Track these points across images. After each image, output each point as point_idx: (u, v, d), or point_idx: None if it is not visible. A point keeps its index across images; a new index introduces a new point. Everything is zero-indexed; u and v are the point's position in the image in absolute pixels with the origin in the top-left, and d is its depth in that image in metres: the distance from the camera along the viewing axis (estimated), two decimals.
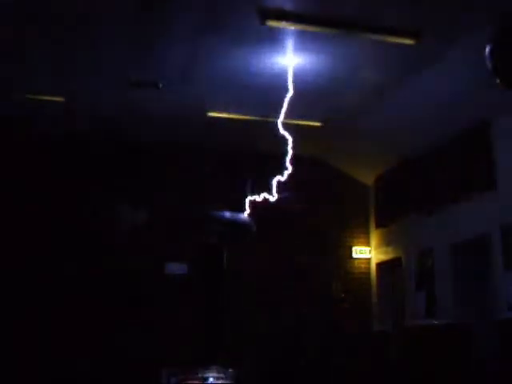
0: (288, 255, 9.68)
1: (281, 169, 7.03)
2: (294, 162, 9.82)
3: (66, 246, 8.87)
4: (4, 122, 8.43)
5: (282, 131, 7.12)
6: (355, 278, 10.18)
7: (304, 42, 6.33)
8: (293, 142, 7.04)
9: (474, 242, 7.64)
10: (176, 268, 9.22)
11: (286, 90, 6.81)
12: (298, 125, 8.45)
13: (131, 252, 9.00)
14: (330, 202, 10.17)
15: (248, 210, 7.48)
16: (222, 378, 6.72)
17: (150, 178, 9.40)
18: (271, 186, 7.14)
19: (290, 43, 6.37)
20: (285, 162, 7.01)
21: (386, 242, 9.90)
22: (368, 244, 10.37)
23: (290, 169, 7.01)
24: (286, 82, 6.94)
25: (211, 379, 6.67)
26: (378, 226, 10.21)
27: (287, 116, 7.68)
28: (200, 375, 6.68)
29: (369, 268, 10.29)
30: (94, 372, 8.37)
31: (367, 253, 10.32)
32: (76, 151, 9.24)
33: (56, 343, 8.43)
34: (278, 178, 7.04)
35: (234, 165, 9.59)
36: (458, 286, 7.94)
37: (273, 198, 7.09)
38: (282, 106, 7.18)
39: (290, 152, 7.02)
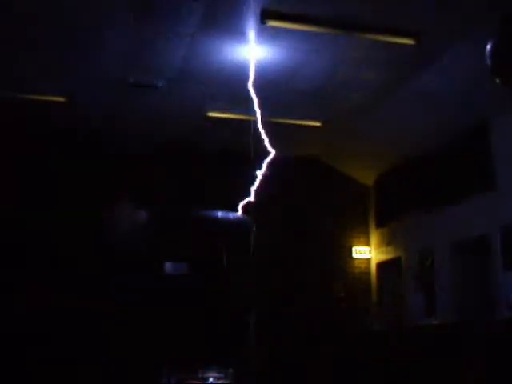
0: (288, 255, 9.67)
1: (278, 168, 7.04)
2: (294, 162, 9.89)
3: (66, 246, 8.87)
4: (4, 121, 8.43)
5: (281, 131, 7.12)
6: (355, 277, 10.18)
7: (304, 42, 6.33)
8: (292, 142, 7.04)
9: (474, 242, 7.65)
10: (176, 268, 9.22)
11: (286, 90, 6.82)
12: (298, 125, 8.47)
13: (131, 252, 8.99)
14: (330, 202, 10.17)
15: (245, 210, 7.48)
16: (222, 378, 6.73)
17: (150, 177, 9.39)
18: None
19: (289, 43, 6.37)
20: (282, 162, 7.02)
21: (386, 241, 9.90)
22: (368, 244, 10.36)
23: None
24: (285, 82, 6.95)
25: (211, 379, 6.68)
26: (377, 225, 10.21)
27: (288, 116, 7.71)
28: (200, 375, 6.68)
29: (369, 268, 10.28)
30: (94, 372, 8.37)
31: (367, 253, 10.32)
32: (76, 151, 9.23)
33: (56, 343, 8.43)
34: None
35: (234, 165, 9.58)
36: (458, 286, 7.95)
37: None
38: (282, 106, 7.20)
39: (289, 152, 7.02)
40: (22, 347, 8.31)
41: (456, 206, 7.99)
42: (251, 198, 7.55)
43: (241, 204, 7.66)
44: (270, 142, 7.48)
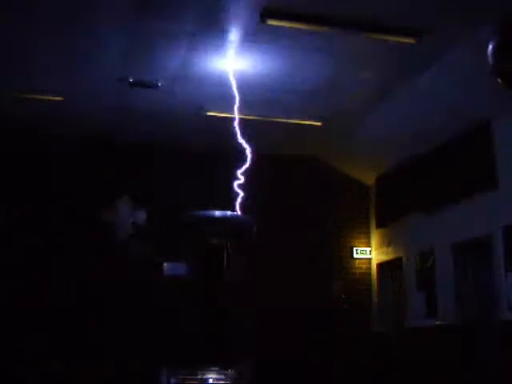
0: (288, 255, 9.66)
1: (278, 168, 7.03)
2: (294, 162, 9.88)
3: (66, 246, 8.87)
4: (4, 121, 8.42)
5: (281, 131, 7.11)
6: (356, 278, 10.17)
7: (304, 41, 6.32)
8: (292, 142, 7.04)
9: (475, 242, 7.63)
10: (176, 268, 9.21)
11: (286, 90, 6.81)
12: (298, 125, 8.46)
13: (131, 252, 8.99)
14: (330, 202, 10.16)
15: (245, 210, 7.46)
16: (222, 379, 6.71)
17: (149, 177, 9.38)
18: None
19: (289, 42, 6.36)
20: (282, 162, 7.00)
21: (387, 242, 9.89)
22: (368, 244, 10.35)
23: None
24: (285, 80, 6.94)
25: (211, 379, 6.65)
26: (378, 226, 10.19)
27: (288, 116, 7.70)
28: (200, 375, 6.66)
29: (369, 268, 10.27)
30: (94, 372, 8.37)
31: (368, 253, 10.31)
32: (76, 151, 9.22)
33: (56, 343, 8.43)
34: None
35: (234, 165, 9.56)
36: (459, 287, 7.93)
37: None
38: (282, 106, 7.18)
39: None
40: (22, 347, 8.31)
41: (457, 206, 7.97)
42: (251, 198, 7.53)
43: (240, 204, 7.64)
44: (271, 141, 7.49)
